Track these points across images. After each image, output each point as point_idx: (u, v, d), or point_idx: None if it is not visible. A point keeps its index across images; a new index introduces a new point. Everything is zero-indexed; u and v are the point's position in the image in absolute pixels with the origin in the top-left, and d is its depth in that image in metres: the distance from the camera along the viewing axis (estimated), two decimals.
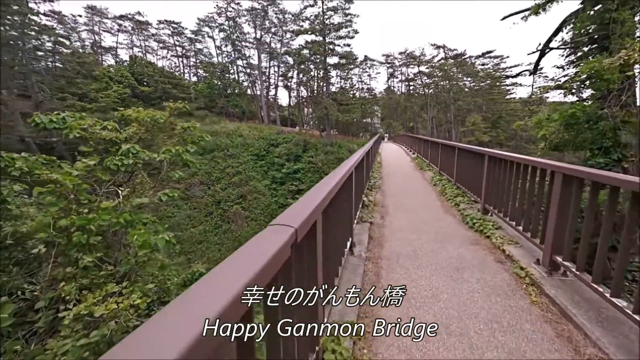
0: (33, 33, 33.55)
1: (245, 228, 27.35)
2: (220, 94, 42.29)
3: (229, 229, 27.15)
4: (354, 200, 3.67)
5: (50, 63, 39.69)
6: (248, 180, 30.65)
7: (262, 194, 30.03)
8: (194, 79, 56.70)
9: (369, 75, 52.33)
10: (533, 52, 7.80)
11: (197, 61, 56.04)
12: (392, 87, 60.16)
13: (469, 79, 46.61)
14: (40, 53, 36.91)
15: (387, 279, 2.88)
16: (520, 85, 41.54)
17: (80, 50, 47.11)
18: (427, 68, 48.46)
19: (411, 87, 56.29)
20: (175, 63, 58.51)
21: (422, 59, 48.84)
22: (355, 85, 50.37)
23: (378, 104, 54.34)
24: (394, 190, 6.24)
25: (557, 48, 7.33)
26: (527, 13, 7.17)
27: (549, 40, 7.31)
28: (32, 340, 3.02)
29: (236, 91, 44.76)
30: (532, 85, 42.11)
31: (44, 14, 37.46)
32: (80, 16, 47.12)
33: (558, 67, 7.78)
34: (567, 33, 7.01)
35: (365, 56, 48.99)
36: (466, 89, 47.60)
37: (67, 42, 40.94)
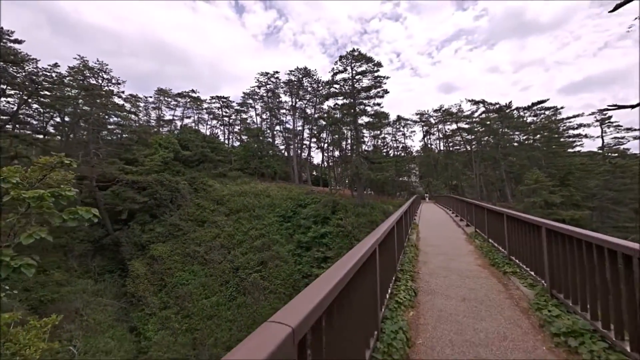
0: (109, 111, 39.97)
1: (262, 302, 23.58)
2: (254, 156, 43.74)
3: (244, 303, 23.62)
4: None
5: (117, 135, 45.96)
6: (271, 245, 27.97)
7: (284, 260, 26.75)
8: (237, 143, 61.44)
9: (404, 134, 51.06)
10: None
11: (241, 128, 61.43)
12: (429, 145, 57.66)
13: (517, 132, 42.23)
14: (111, 127, 43.14)
15: None
16: (586, 136, 35.76)
17: (146, 123, 55.27)
18: (467, 124, 45.70)
19: (450, 144, 53.13)
20: (221, 130, 64.95)
21: (459, 115, 46.67)
22: (388, 143, 49.09)
23: (414, 161, 51.45)
24: None
25: None
26: None
27: None
28: None
29: (270, 153, 46.21)
30: (602, 136, 36.09)
31: (120, 96, 44.97)
32: (150, 97, 56.45)
33: None
34: None
35: (398, 116, 48.61)
36: (515, 143, 42.82)
37: (134, 117, 48.04)
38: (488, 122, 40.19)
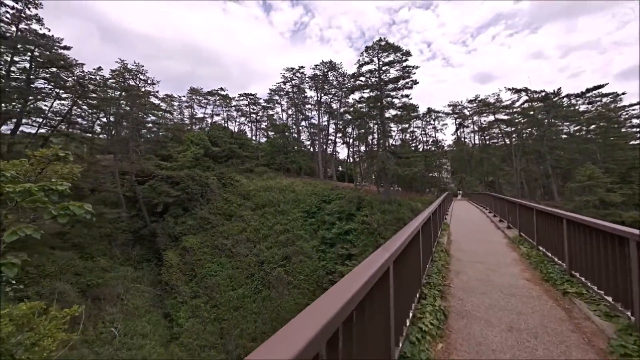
0: (147, 110, 42.63)
1: (285, 297, 23.80)
2: (280, 152, 44.17)
3: (268, 296, 24.02)
4: None
5: (154, 133, 48.97)
6: (295, 240, 28.07)
7: (308, 256, 26.71)
8: (263, 139, 62.68)
9: (434, 127, 48.30)
10: None
11: (267, 124, 62.49)
12: (462, 138, 54.06)
13: (567, 122, 37.83)
14: (149, 125, 46.02)
15: None
16: None
17: (180, 121, 58.39)
18: (506, 115, 41.91)
19: (486, 137, 49.28)
20: (249, 127, 66.59)
21: (497, 105, 42.93)
22: (418, 137, 46.81)
23: (446, 156, 48.56)
24: None
25: None
26: None
27: None
28: None
29: (295, 148, 46.38)
30: None
31: (156, 96, 47.78)
32: (184, 96, 59.40)
33: None
34: None
35: (429, 108, 46.03)
36: (563, 135, 38.44)
37: (169, 116, 50.83)
38: (532, 112, 36.41)
